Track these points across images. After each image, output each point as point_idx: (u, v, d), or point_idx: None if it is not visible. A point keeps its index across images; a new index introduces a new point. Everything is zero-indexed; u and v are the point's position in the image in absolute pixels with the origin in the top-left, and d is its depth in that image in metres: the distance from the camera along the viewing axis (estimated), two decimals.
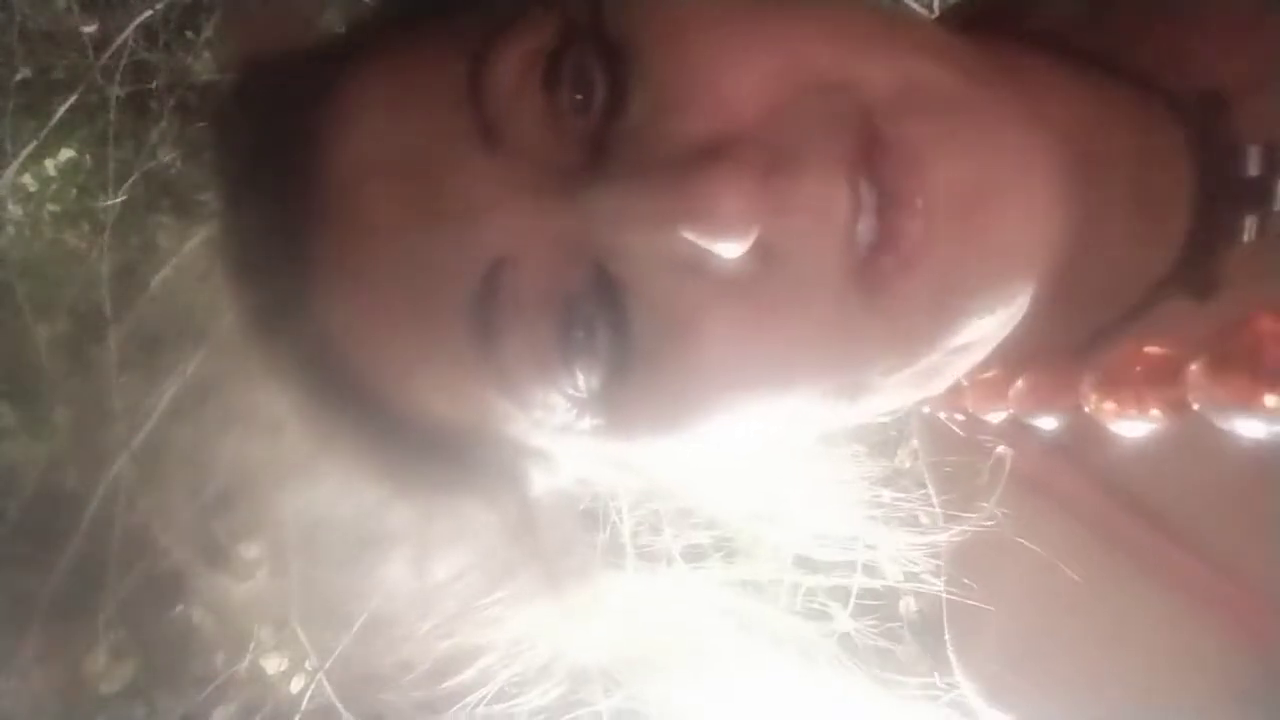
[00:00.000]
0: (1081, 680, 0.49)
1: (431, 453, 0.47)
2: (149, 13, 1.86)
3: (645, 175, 0.39)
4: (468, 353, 0.43)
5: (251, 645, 1.59)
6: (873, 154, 0.39)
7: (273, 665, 1.72)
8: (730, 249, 0.39)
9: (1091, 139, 0.45)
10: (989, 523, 0.50)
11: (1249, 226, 0.45)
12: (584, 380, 0.42)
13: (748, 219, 0.38)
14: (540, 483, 0.50)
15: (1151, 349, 0.43)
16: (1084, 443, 0.48)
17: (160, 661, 1.78)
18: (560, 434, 0.45)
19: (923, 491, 0.58)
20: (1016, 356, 0.47)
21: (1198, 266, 0.46)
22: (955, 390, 0.52)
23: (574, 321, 0.41)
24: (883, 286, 0.40)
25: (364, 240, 0.43)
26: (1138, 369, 0.42)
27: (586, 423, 0.44)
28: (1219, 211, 0.46)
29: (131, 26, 1.87)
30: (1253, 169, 0.45)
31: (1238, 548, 0.45)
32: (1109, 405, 0.44)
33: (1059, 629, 0.50)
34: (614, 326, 0.41)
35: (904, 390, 0.45)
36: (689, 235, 0.38)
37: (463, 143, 0.41)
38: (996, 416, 0.52)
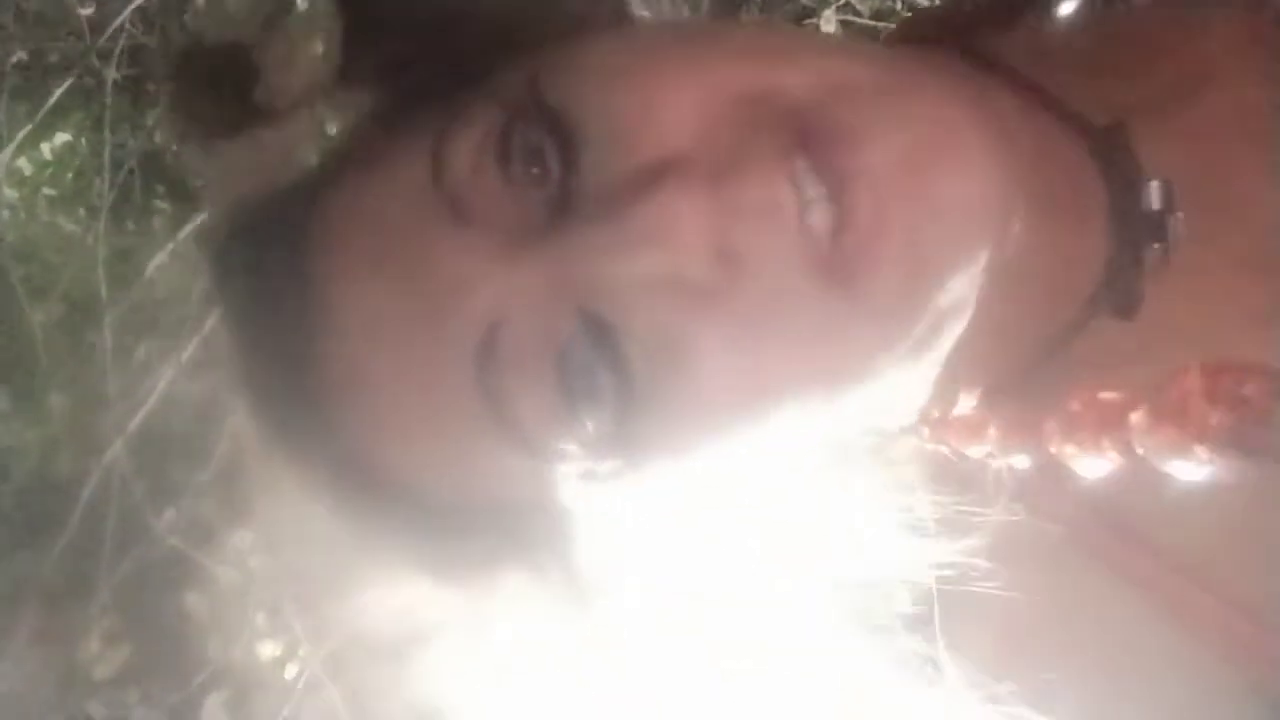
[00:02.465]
0: (1064, 674, 0.49)
1: (469, 532, 0.48)
2: None
3: (602, 211, 0.41)
4: (481, 423, 0.44)
5: (246, 632, 1.59)
6: (808, 143, 0.40)
7: (267, 651, 1.73)
8: (693, 262, 0.40)
9: (1021, 156, 0.46)
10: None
11: (1150, 258, 0.47)
12: (595, 424, 0.43)
13: (700, 230, 0.40)
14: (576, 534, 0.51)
15: (1104, 395, 0.44)
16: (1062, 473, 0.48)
17: (153, 648, 1.79)
18: (586, 482, 0.46)
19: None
20: (979, 382, 0.49)
21: (1117, 289, 0.48)
22: (939, 424, 0.53)
23: (572, 370, 0.43)
24: (853, 270, 0.41)
25: (364, 343, 0.45)
26: (1091, 414, 0.44)
27: (607, 465, 0.45)
28: (1129, 240, 0.48)
29: (129, 10, 1.86)
30: (1153, 203, 0.47)
31: (1224, 571, 0.46)
32: (1070, 448, 0.45)
33: (1048, 632, 0.50)
34: (611, 366, 0.42)
35: (903, 373, 0.46)
36: (652, 257, 0.40)
37: (434, 227, 0.43)
38: (978, 452, 0.52)
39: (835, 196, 0.40)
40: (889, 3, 1.50)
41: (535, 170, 0.43)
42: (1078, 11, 0.50)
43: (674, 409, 0.43)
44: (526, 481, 0.46)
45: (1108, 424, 0.44)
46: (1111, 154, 0.48)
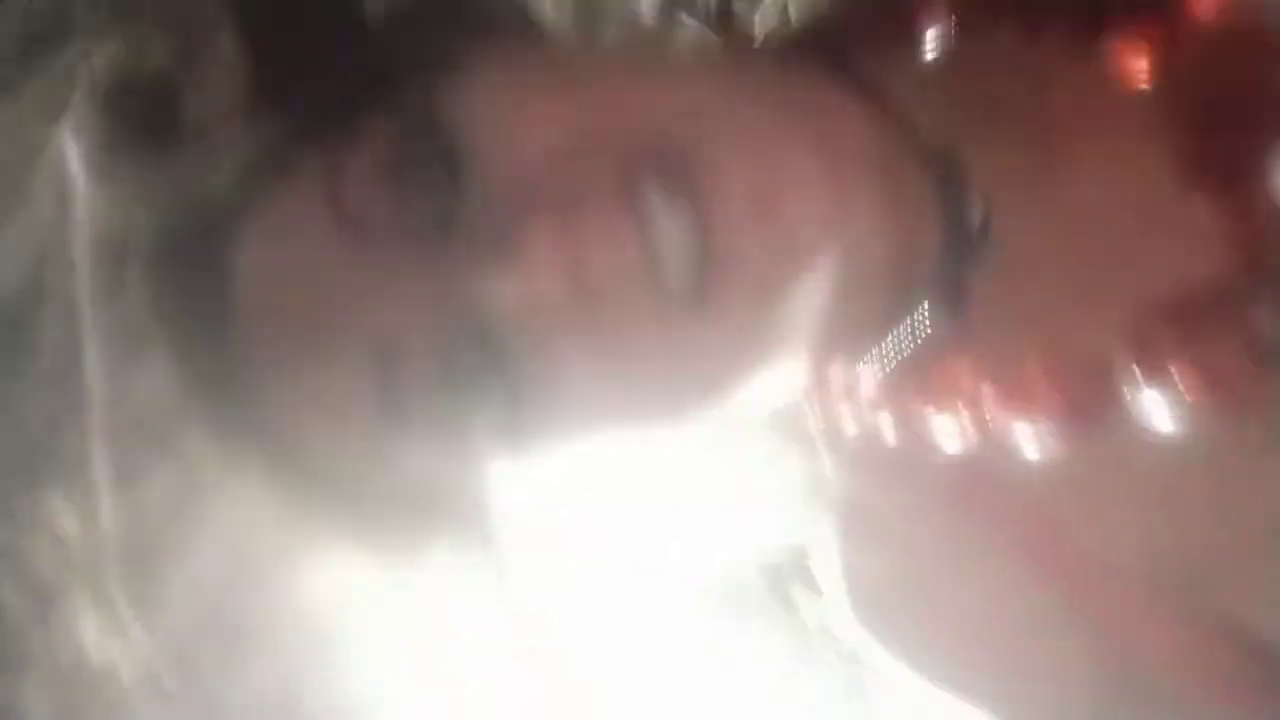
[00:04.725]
0: (957, 635, 0.56)
1: (385, 509, 0.51)
2: None
3: (477, 235, 0.45)
4: (382, 424, 0.47)
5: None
6: (660, 167, 0.44)
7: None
8: (549, 291, 0.44)
9: (875, 165, 0.49)
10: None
11: (976, 267, 0.51)
12: (493, 424, 0.47)
13: (553, 260, 0.43)
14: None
15: (958, 365, 0.51)
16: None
17: None
18: (498, 471, 0.50)
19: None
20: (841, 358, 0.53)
21: (946, 289, 0.52)
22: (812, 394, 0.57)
23: (461, 381, 0.46)
24: (709, 291, 0.44)
25: (271, 352, 0.48)
26: (947, 382, 0.51)
27: (516, 457, 0.49)
28: (956, 252, 0.51)
29: None
30: (976, 220, 0.51)
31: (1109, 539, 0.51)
32: (929, 414, 0.52)
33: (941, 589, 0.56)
34: (496, 374, 0.46)
35: (761, 377, 0.50)
36: (515, 285, 0.44)
37: (330, 245, 0.47)
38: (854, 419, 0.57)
39: (681, 224, 0.44)
40: None
41: (425, 190, 0.46)
42: (939, 42, 0.54)
43: (558, 412, 0.47)
44: (431, 468, 0.50)
45: (962, 392, 0.50)
46: (942, 171, 0.51)
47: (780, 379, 0.50)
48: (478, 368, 0.46)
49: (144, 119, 0.47)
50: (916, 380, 0.53)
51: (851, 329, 0.50)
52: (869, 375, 0.54)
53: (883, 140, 0.50)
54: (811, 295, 0.46)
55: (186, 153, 0.48)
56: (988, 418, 0.50)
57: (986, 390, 0.50)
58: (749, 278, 0.44)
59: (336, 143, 0.48)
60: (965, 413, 0.51)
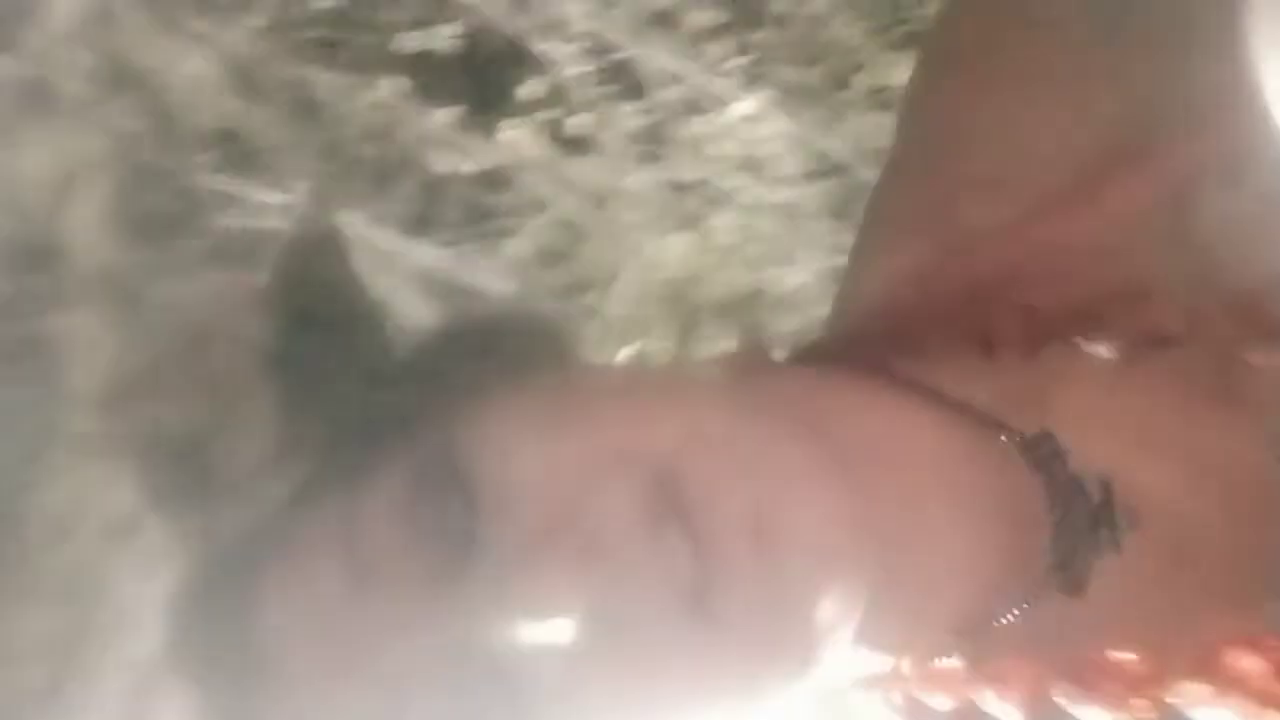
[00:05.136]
0: None
1: None
2: None
3: (497, 577, 0.45)
4: None
5: None
6: (671, 504, 0.45)
7: None
8: (568, 626, 0.45)
9: (938, 466, 0.53)
10: None
11: (1104, 541, 0.52)
12: None
13: (574, 597, 0.45)
14: None
15: (1119, 656, 0.51)
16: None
17: None
18: None
19: None
20: (966, 644, 0.53)
21: (1067, 572, 0.53)
22: (895, 675, 0.57)
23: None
24: (714, 607, 0.45)
25: (299, 695, 0.49)
26: (1108, 673, 0.51)
27: None
28: (1074, 530, 0.53)
29: None
30: (1094, 496, 0.53)
31: None
32: (1087, 707, 0.51)
33: None
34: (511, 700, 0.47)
35: (784, 683, 0.50)
36: (532, 626, 0.45)
37: (345, 599, 0.48)
38: (944, 704, 0.56)
39: (693, 552, 0.45)
40: None
41: (441, 530, 0.47)
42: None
43: None
44: None
45: (1138, 688, 0.50)
46: (1044, 459, 0.53)
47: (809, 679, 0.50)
48: (492, 704, 0.46)
49: (176, 477, 0.50)
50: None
51: (913, 621, 0.52)
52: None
53: (949, 436, 0.52)
54: (826, 609, 0.47)
55: (216, 507, 0.50)
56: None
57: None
58: (757, 599, 0.45)
59: (355, 482, 0.49)
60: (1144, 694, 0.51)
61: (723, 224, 1.54)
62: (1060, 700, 0.52)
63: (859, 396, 0.55)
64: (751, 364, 0.60)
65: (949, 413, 0.55)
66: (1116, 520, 0.52)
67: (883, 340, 0.60)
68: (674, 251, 1.50)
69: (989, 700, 0.53)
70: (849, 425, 0.53)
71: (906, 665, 0.55)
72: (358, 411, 0.52)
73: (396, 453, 0.50)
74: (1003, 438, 0.54)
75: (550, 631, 0.45)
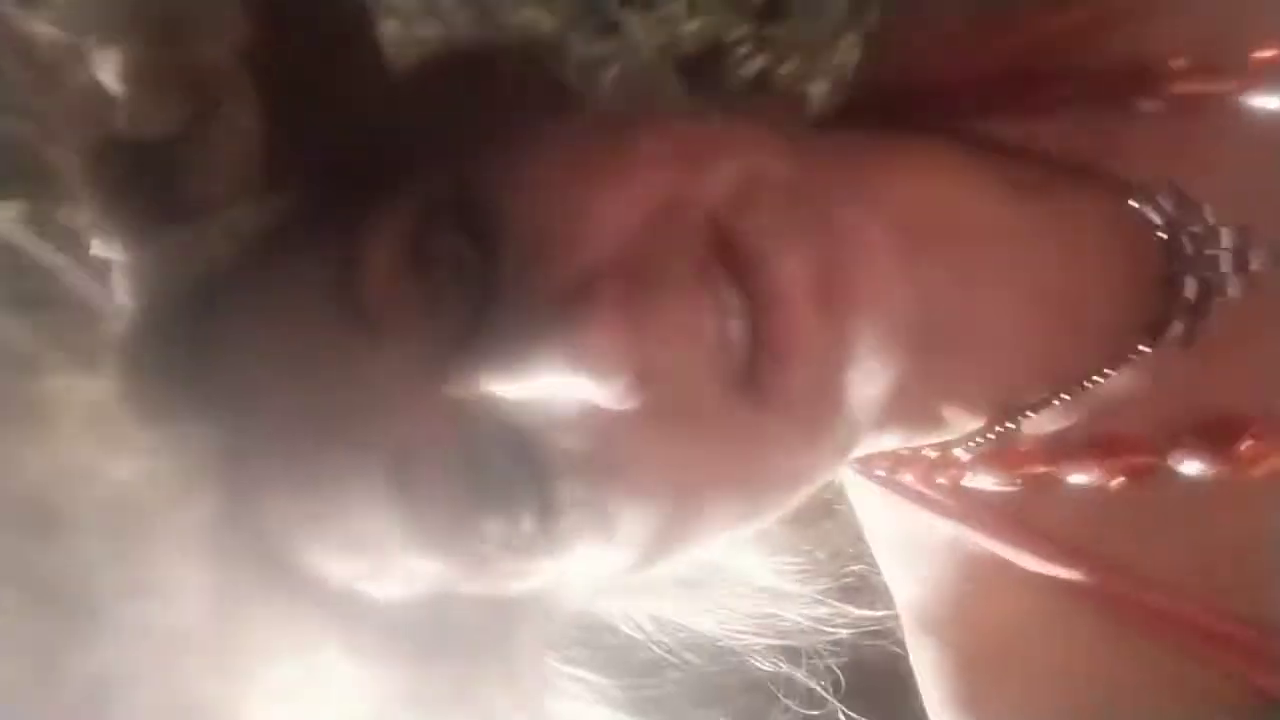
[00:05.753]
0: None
1: (401, 629, 0.47)
2: None
3: (522, 328, 0.40)
4: (400, 536, 0.43)
5: None
6: (725, 258, 0.41)
7: None
8: (612, 387, 0.40)
9: (1011, 226, 0.50)
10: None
11: (1236, 285, 0.49)
12: (513, 535, 0.43)
13: (620, 354, 0.39)
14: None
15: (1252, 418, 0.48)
16: (1032, 503, 0.52)
17: None
18: (517, 574, 0.46)
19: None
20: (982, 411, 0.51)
21: (1186, 318, 0.49)
22: (901, 457, 0.55)
23: (492, 487, 0.42)
24: (767, 384, 0.41)
25: (278, 452, 0.43)
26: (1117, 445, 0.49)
27: (533, 561, 0.45)
28: (1194, 278, 0.49)
29: None
30: (1226, 243, 0.50)
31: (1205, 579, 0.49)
32: (1083, 474, 0.50)
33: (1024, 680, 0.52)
34: (533, 483, 0.42)
35: (824, 468, 0.48)
36: (570, 383, 0.40)
37: (344, 340, 0.42)
38: (951, 481, 0.54)
39: (753, 314, 0.40)
40: None
41: (453, 277, 0.42)
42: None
43: (598, 519, 0.43)
44: (454, 582, 0.46)
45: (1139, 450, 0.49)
46: (1175, 208, 0.50)
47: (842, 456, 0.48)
48: (511, 476, 0.42)
49: (139, 189, 0.43)
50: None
51: (989, 383, 0.50)
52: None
53: (1027, 193, 0.49)
54: (877, 387, 0.44)
55: (182, 230, 0.44)
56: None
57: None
58: (810, 367, 0.41)
59: (351, 226, 0.43)
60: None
61: None
62: (1179, 465, 0.49)
63: (922, 158, 0.51)
64: (792, 119, 0.55)
65: (1031, 167, 0.51)
66: (1251, 261, 0.49)
67: (932, 101, 0.55)
68: None
69: (1072, 473, 0.50)
70: (912, 188, 0.49)
71: (959, 445, 0.53)
72: (351, 133, 0.45)
73: (399, 187, 0.44)
74: (1126, 198, 0.50)
75: (583, 394, 0.40)
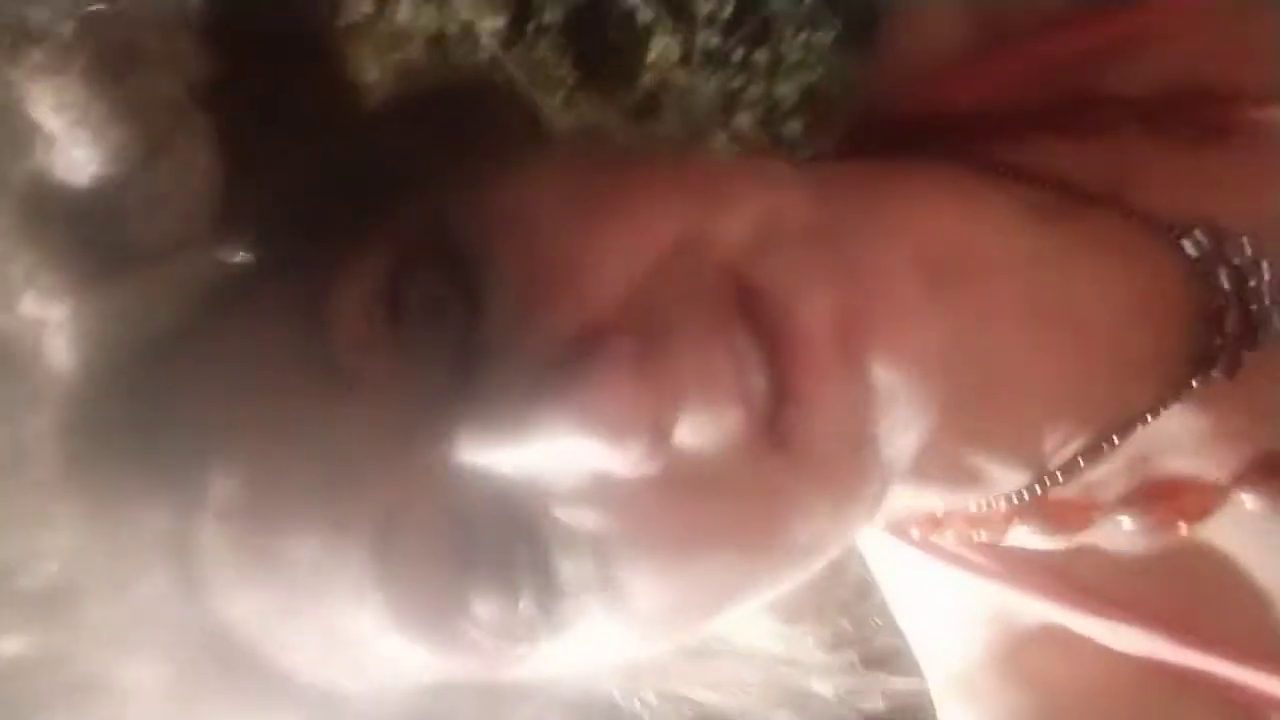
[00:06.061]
0: None
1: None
2: None
3: (516, 386, 0.36)
4: (382, 624, 0.39)
5: None
6: (744, 306, 0.37)
7: None
8: (626, 454, 0.35)
9: (1033, 263, 0.47)
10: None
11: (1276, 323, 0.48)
12: (512, 613, 0.39)
13: (636, 413, 0.35)
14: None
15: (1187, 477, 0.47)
16: (1082, 559, 0.49)
17: None
18: (513, 660, 0.41)
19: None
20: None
21: (1224, 354, 0.48)
22: (937, 518, 0.52)
23: (484, 565, 0.38)
24: (792, 436, 0.38)
25: (244, 521, 0.38)
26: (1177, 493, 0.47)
27: (529, 645, 0.40)
28: (1236, 316, 0.48)
29: None
30: (1266, 274, 0.48)
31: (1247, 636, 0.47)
32: (1133, 524, 0.47)
33: None
34: (530, 557, 0.38)
35: (854, 525, 0.44)
36: (578, 449, 0.35)
37: (315, 398, 0.38)
38: (993, 540, 0.51)
39: (773, 362, 0.37)
40: None
41: (433, 324, 0.38)
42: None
43: (607, 596, 0.39)
44: (442, 671, 0.42)
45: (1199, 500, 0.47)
46: (1213, 248, 0.48)
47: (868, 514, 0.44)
48: (505, 559, 0.38)
49: (77, 237, 0.38)
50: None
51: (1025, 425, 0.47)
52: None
53: (1048, 226, 0.47)
54: (908, 432, 0.40)
55: (126, 282, 0.39)
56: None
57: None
58: (837, 415, 0.38)
59: (318, 272, 0.39)
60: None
61: None
62: (1249, 502, 0.47)
63: (937, 186, 0.48)
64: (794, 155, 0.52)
65: (1048, 191, 0.49)
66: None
67: (942, 126, 0.52)
68: None
69: (1127, 522, 0.48)
70: (930, 219, 0.46)
71: (998, 500, 0.49)
72: (317, 171, 0.41)
73: (371, 229, 0.40)
74: (1154, 227, 0.48)
75: (591, 459, 0.36)
